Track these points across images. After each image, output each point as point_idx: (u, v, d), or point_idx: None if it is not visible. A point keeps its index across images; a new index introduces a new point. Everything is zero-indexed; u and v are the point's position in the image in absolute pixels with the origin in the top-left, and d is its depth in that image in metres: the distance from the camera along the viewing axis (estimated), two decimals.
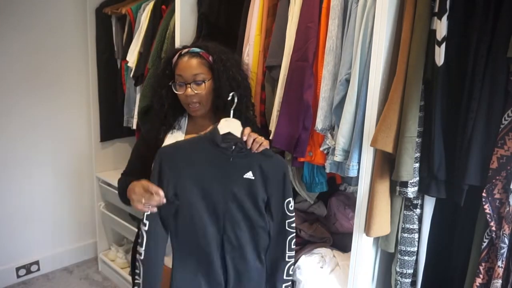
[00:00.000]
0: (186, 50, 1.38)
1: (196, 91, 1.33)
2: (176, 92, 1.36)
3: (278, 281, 1.34)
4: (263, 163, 1.28)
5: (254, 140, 1.25)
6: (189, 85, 1.33)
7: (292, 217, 1.32)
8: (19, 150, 2.50)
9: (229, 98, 1.30)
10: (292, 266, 1.35)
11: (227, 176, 1.27)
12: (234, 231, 1.28)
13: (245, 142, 1.25)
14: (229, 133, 1.26)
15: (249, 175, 1.28)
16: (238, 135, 1.26)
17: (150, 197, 1.20)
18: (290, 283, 1.36)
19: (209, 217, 1.27)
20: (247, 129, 1.26)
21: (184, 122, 1.44)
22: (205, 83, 1.34)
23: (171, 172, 1.24)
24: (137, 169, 1.41)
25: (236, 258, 1.30)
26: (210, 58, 1.37)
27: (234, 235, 1.28)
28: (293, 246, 1.33)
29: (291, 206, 1.32)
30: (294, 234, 1.33)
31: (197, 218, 1.26)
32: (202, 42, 1.44)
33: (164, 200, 1.21)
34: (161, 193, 1.20)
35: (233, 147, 1.26)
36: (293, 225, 1.32)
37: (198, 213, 1.26)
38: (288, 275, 1.34)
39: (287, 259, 1.33)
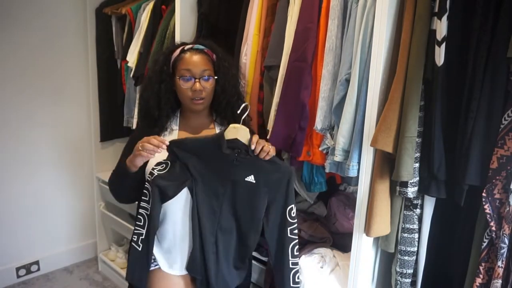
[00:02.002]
0: (189, 46, 1.40)
1: (204, 86, 1.37)
2: (182, 86, 1.37)
3: None
4: (268, 170, 1.29)
5: (262, 148, 1.26)
6: (198, 80, 1.36)
7: (294, 223, 1.32)
8: (19, 150, 2.50)
9: (241, 109, 1.32)
10: (298, 274, 1.35)
11: (228, 176, 1.28)
12: (224, 230, 1.32)
13: (253, 150, 1.26)
14: (235, 139, 1.27)
15: (250, 178, 1.29)
16: (245, 142, 1.28)
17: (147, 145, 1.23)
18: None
19: (207, 209, 1.30)
20: (255, 137, 1.28)
21: (175, 122, 1.45)
22: (212, 78, 1.39)
23: (182, 154, 1.27)
24: None
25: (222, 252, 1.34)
26: (214, 56, 1.41)
27: (224, 233, 1.32)
28: (296, 253, 1.32)
29: (294, 213, 1.32)
30: (297, 241, 1.33)
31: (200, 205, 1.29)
32: (203, 40, 1.46)
33: (163, 145, 1.23)
34: (159, 138, 1.23)
35: (236, 154, 1.27)
36: (296, 231, 1.32)
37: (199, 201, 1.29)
38: (295, 282, 1.34)
39: (291, 266, 1.33)
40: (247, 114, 1.54)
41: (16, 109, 2.44)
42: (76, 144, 2.73)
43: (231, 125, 1.27)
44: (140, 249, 1.26)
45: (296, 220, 1.33)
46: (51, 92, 2.55)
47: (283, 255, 1.32)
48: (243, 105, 1.33)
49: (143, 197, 1.28)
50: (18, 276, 2.61)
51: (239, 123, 1.30)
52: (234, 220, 1.33)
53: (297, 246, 1.33)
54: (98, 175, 2.69)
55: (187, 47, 1.40)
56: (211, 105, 1.45)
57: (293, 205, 1.32)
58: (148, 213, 1.26)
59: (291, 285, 1.34)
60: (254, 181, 1.29)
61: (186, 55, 1.38)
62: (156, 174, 1.25)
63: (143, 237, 1.26)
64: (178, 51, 1.40)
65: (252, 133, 1.41)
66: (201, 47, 1.40)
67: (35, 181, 2.60)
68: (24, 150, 2.51)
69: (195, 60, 1.37)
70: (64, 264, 2.82)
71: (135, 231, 1.29)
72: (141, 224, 1.27)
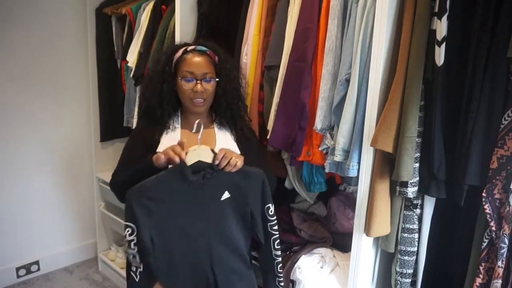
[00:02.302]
0: (192, 47, 1.41)
1: (206, 88, 1.37)
2: (183, 87, 1.38)
3: (271, 277, 1.40)
4: (240, 180, 1.29)
5: (228, 162, 1.26)
6: (199, 82, 1.36)
7: (273, 221, 1.36)
8: (19, 150, 2.50)
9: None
10: (281, 264, 1.40)
11: (206, 208, 1.29)
12: (222, 261, 1.33)
13: (218, 165, 1.26)
14: (198, 162, 1.25)
15: (226, 195, 1.29)
16: (209, 160, 1.26)
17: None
18: (282, 279, 1.41)
19: (192, 257, 1.30)
20: (221, 152, 1.27)
21: (177, 121, 1.46)
22: (213, 80, 1.39)
23: (144, 217, 1.22)
24: None
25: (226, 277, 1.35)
26: (216, 58, 1.42)
27: (222, 266, 1.33)
28: (277, 246, 1.37)
29: (271, 211, 1.35)
30: (277, 235, 1.37)
31: (177, 261, 1.29)
32: (205, 42, 1.46)
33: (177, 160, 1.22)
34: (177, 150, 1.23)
35: (202, 177, 1.25)
36: (275, 227, 1.36)
37: (178, 256, 1.29)
38: (278, 272, 1.40)
39: (274, 257, 1.38)
40: (247, 115, 1.55)
41: (16, 109, 2.44)
42: (76, 144, 2.73)
43: (190, 148, 1.25)
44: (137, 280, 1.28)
45: (275, 218, 1.35)
46: (51, 92, 2.55)
47: (267, 248, 1.38)
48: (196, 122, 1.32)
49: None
50: (18, 276, 2.61)
51: (239, 123, 1.29)
52: (225, 238, 1.34)
53: (278, 240, 1.37)
54: (98, 175, 2.69)
55: (189, 48, 1.40)
56: (211, 106, 1.45)
57: (270, 204, 1.34)
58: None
59: (276, 273, 1.39)
60: (229, 195, 1.29)
61: (189, 56, 1.38)
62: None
63: (141, 269, 1.27)
64: (180, 51, 1.40)
65: (248, 129, 1.44)
66: (203, 48, 1.41)
67: (35, 181, 2.60)
68: (24, 150, 2.51)
69: (197, 62, 1.37)
70: (64, 264, 2.82)
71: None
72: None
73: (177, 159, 1.22)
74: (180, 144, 1.26)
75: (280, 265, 1.41)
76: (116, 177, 1.45)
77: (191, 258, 1.30)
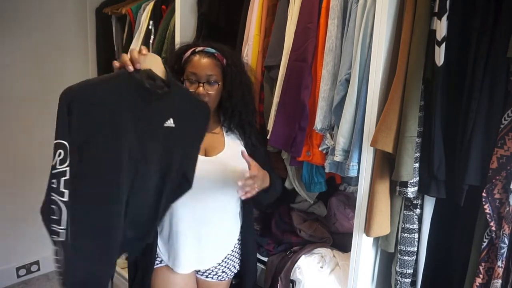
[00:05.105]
0: (201, 48, 1.38)
1: (208, 91, 1.34)
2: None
3: None
4: (187, 111, 1.15)
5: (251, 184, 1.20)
6: (202, 84, 1.34)
7: None
8: (19, 150, 2.49)
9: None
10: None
11: (146, 127, 1.08)
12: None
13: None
14: (149, 70, 1.08)
15: (169, 123, 1.11)
16: (160, 73, 1.10)
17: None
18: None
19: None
20: (254, 170, 1.21)
21: None
22: (218, 84, 1.36)
23: (83, 117, 0.95)
24: None
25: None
26: (224, 61, 1.39)
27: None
28: None
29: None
30: None
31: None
32: (215, 44, 1.42)
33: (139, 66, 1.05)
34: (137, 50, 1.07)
35: (154, 89, 1.07)
36: None
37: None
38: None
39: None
40: (255, 120, 1.52)
41: (16, 108, 2.44)
42: None
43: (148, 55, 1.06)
44: None
45: None
46: (51, 92, 2.54)
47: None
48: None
49: None
50: (18, 276, 2.61)
51: (247, 130, 1.28)
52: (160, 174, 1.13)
53: None
54: None
55: (198, 49, 1.38)
56: (219, 109, 1.44)
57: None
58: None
59: None
60: (173, 125, 1.10)
61: (195, 58, 1.36)
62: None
63: None
64: (189, 52, 1.38)
65: (256, 135, 1.43)
66: (212, 50, 1.38)
67: (35, 181, 2.59)
68: (23, 150, 2.51)
69: (203, 64, 1.35)
70: None
71: None
72: None
73: (131, 68, 1.05)
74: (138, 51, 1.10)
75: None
76: None
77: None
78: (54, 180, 0.92)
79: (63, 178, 0.91)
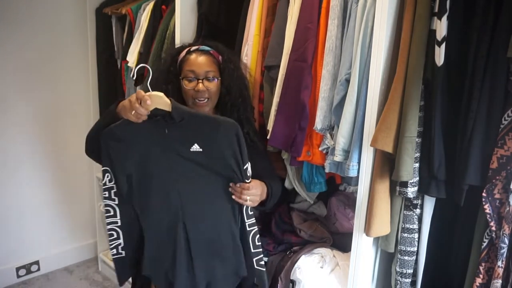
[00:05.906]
0: (195, 47, 1.41)
1: (208, 87, 1.37)
2: (185, 87, 1.38)
3: (247, 256, 1.34)
4: (209, 131, 1.22)
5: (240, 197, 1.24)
6: (201, 81, 1.36)
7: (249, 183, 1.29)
8: (19, 150, 2.50)
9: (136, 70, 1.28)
10: (257, 236, 1.34)
11: (174, 160, 1.24)
12: (198, 230, 1.28)
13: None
14: (155, 110, 1.19)
15: (195, 147, 1.23)
16: (167, 108, 1.19)
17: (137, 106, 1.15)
18: (261, 256, 1.36)
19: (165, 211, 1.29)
20: (246, 187, 1.25)
21: None
22: (216, 80, 1.39)
23: (118, 160, 1.23)
24: None
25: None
26: (220, 57, 1.42)
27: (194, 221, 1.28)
28: (250, 213, 1.32)
29: (249, 173, 1.27)
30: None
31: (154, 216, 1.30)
32: (209, 42, 1.46)
33: (149, 102, 1.15)
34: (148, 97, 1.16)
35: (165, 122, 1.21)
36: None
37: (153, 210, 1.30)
38: (256, 246, 1.33)
39: (248, 228, 1.32)
40: (252, 116, 1.53)
41: (16, 108, 2.44)
42: (76, 144, 2.72)
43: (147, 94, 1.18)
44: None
45: (250, 180, 1.28)
46: (51, 92, 2.55)
47: (242, 214, 1.32)
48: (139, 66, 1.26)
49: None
50: (18, 276, 2.61)
51: (246, 126, 1.30)
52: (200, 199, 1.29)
53: (252, 212, 1.32)
54: (98, 175, 2.69)
55: (193, 48, 1.41)
56: (217, 106, 1.45)
57: (247, 164, 1.26)
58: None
59: (252, 250, 1.33)
60: (200, 150, 1.22)
61: (192, 56, 1.39)
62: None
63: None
64: (184, 52, 1.41)
65: (253, 131, 1.44)
66: (206, 48, 1.41)
67: (35, 181, 2.60)
68: (24, 150, 2.51)
69: (200, 61, 1.38)
70: (64, 264, 2.82)
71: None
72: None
73: (149, 102, 1.15)
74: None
75: (258, 236, 1.33)
76: (93, 127, 1.35)
77: (165, 214, 1.28)
78: (105, 192, 1.29)
79: (113, 191, 1.29)
